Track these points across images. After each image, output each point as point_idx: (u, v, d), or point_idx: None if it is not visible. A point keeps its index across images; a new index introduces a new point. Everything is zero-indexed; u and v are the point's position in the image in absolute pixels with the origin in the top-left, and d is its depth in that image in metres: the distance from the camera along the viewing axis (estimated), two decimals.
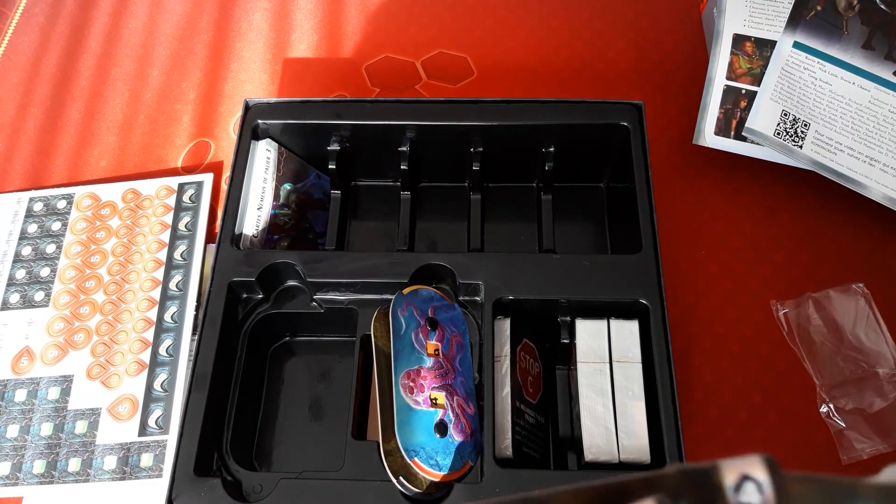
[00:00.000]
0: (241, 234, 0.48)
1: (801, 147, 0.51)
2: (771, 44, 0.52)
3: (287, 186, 0.51)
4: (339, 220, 0.53)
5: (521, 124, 0.49)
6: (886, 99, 0.48)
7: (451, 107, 0.50)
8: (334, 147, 0.52)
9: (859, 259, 0.53)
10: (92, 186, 0.59)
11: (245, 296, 0.47)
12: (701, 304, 0.52)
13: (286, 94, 0.63)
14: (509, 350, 0.43)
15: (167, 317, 0.53)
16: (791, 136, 0.51)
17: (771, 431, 0.48)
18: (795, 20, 0.51)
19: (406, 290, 0.45)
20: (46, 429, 0.49)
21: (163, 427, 0.49)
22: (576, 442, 0.43)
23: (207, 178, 0.59)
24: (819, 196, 0.56)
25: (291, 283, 0.47)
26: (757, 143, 0.53)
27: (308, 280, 0.46)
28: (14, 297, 0.54)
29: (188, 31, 0.68)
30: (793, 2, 0.50)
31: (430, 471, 0.39)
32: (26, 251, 0.56)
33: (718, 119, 0.53)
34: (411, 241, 0.53)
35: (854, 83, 0.49)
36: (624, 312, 0.44)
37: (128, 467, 0.47)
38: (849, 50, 0.49)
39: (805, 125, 0.51)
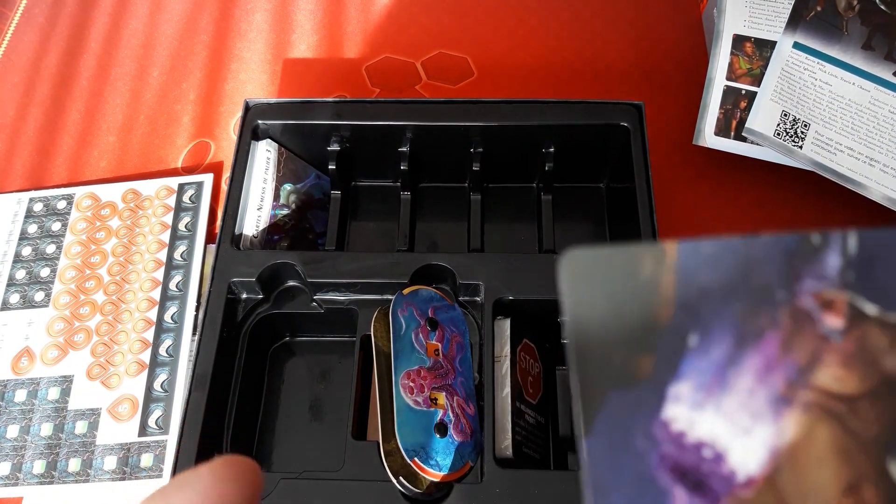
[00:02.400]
0: (241, 234, 0.48)
1: (800, 147, 0.51)
2: (771, 44, 0.52)
3: (287, 187, 0.52)
4: (339, 220, 0.53)
5: (521, 124, 0.49)
6: (886, 99, 0.48)
7: (451, 107, 0.50)
8: (334, 147, 0.52)
9: None
10: (92, 187, 0.59)
11: (245, 296, 0.47)
12: None
13: (286, 95, 0.63)
14: (509, 350, 0.43)
15: (167, 317, 0.53)
16: (791, 136, 0.51)
17: None
18: (795, 20, 0.51)
19: (406, 291, 0.45)
20: (46, 429, 0.49)
21: (163, 427, 0.49)
22: (576, 442, 0.43)
23: (207, 179, 0.59)
24: (819, 196, 0.56)
25: (291, 283, 0.47)
26: (757, 144, 0.53)
27: (308, 280, 0.46)
28: (14, 298, 0.54)
29: (188, 31, 0.68)
30: (793, 2, 0.50)
31: (430, 471, 0.39)
32: (26, 251, 0.56)
33: (718, 119, 0.53)
34: (411, 242, 0.53)
35: (854, 83, 0.49)
36: None
37: (128, 467, 0.47)
38: (849, 50, 0.49)
39: (805, 125, 0.51)
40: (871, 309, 0.15)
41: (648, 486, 0.14)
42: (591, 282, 0.15)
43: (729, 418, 0.15)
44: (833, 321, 0.15)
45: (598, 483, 0.14)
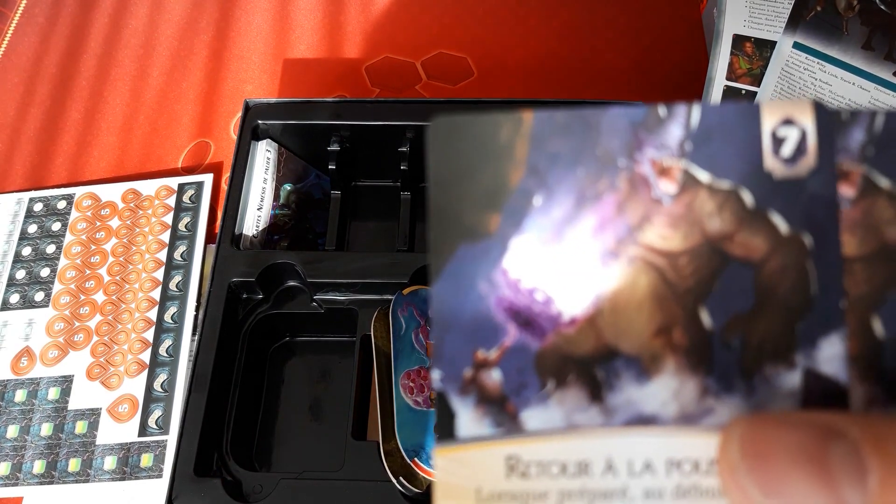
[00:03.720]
0: (241, 234, 0.48)
1: None
2: (771, 44, 0.52)
3: (287, 187, 0.52)
4: (339, 220, 0.53)
5: None
6: (886, 99, 0.48)
7: (451, 107, 0.50)
8: (334, 147, 0.52)
9: None
10: (92, 187, 0.59)
11: (245, 296, 0.47)
12: None
13: (286, 94, 0.63)
14: None
15: (167, 317, 0.53)
16: None
17: None
18: (795, 20, 0.51)
19: (406, 291, 0.45)
20: (46, 429, 0.49)
21: (163, 427, 0.49)
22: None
23: (207, 179, 0.59)
24: None
25: (291, 283, 0.47)
26: None
27: (308, 280, 0.46)
28: (14, 298, 0.54)
29: (188, 31, 0.68)
30: (793, 2, 0.50)
31: (430, 471, 0.39)
32: (26, 251, 0.56)
33: None
34: (411, 241, 0.53)
35: (854, 83, 0.49)
36: None
37: (128, 467, 0.47)
38: (849, 50, 0.49)
39: None
40: (703, 176, 0.16)
41: (486, 322, 0.17)
42: (453, 146, 0.17)
43: (561, 268, 0.17)
44: (667, 186, 0.17)
45: (443, 320, 0.17)
